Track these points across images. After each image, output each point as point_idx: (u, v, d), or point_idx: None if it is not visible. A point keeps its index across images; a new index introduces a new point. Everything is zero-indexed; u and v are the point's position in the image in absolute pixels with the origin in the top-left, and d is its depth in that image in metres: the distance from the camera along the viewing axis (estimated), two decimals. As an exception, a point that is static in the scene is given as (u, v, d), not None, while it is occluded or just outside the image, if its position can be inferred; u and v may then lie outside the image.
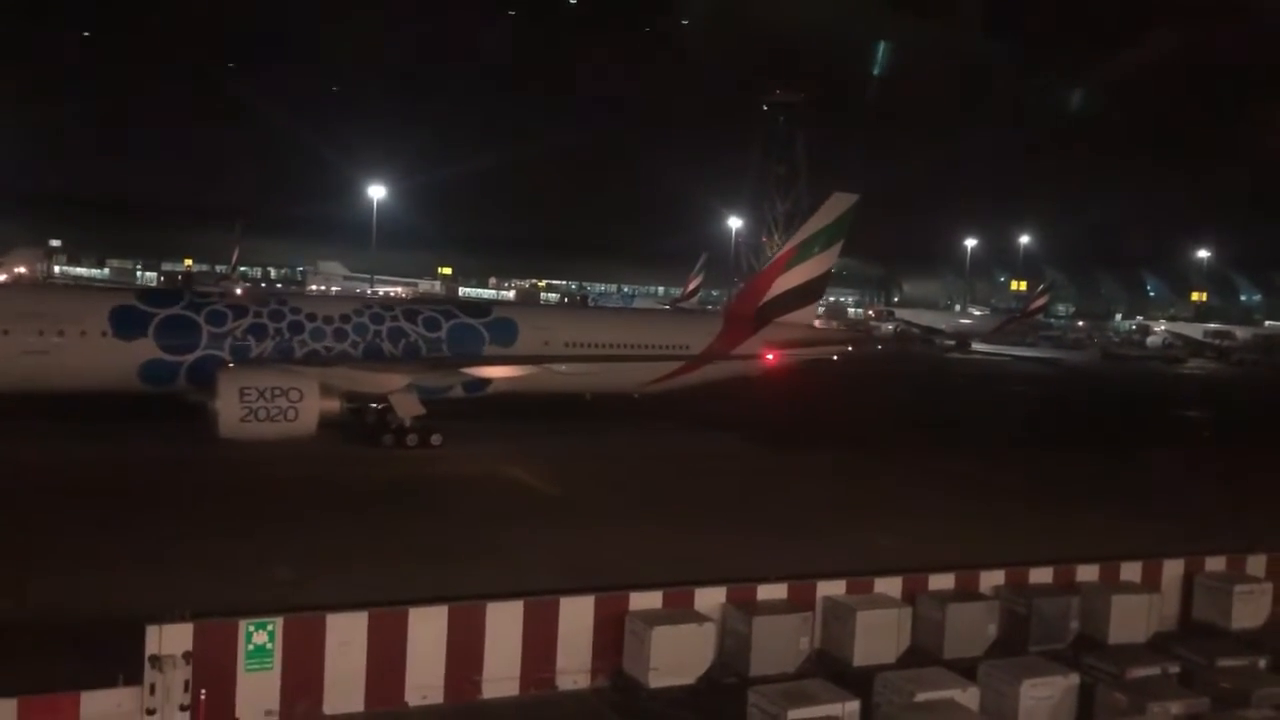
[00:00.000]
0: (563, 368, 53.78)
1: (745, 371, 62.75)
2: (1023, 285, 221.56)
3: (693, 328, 64.55)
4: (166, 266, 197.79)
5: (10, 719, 20.03)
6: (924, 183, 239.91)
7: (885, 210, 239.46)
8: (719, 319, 67.26)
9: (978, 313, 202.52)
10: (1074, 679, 23.34)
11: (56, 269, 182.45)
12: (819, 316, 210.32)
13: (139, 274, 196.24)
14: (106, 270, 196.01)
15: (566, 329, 57.84)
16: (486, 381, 53.05)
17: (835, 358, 77.08)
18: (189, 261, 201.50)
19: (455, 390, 52.63)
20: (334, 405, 46.37)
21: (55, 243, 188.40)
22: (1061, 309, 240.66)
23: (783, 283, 63.38)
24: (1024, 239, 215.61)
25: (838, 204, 63.98)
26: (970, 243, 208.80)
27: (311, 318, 50.66)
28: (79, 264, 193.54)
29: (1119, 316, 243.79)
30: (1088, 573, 29.93)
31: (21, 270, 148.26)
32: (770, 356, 58.35)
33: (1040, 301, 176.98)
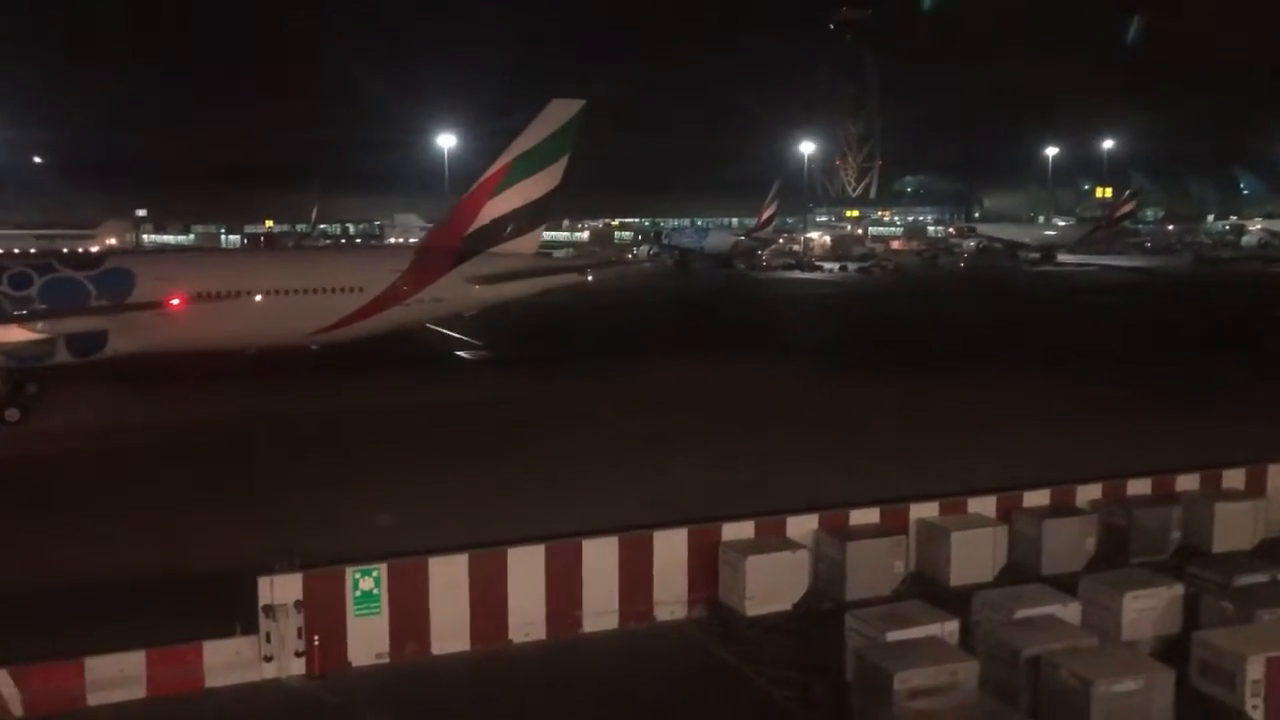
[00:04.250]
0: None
1: (453, 310, 56.14)
2: (1108, 192, 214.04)
3: (369, 266, 55.98)
4: (249, 228, 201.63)
5: (139, 669, 21.14)
6: (1000, 94, 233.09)
7: (962, 125, 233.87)
8: (407, 255, 59.37)
9: (1062, 223, 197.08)
10: (1178, 589, 23.02)
11: (145, 238, 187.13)
12: (897, 237, 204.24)
13: (223, 237, 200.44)
14: (192, 236, 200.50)
15: (197, 277, 51.84)
16: (98, 342, 47.14)
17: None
18: (270, 222, 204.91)
19: (60, 355, 46.44)
20: None
21: (141, 212, 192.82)
22: (1150, 214, 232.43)
23: (494, 208, 54.83)
24: (1107, 144, 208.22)
25: (558, 112, 55.22)
26: (1051, 152, 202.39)
27: None
28: (165, 231, 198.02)
29: (1211, 218, 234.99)
30: (1188, 482, 29.40)
31: (112, 241, 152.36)
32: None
33: (1127, 208, 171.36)
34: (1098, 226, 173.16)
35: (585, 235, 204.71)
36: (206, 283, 50.65)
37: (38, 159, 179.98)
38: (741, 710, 21.21)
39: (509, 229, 55.31)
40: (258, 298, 50.54)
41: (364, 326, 52.88)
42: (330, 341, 52.80)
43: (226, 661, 21.73)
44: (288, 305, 51.50)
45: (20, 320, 45.85)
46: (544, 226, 58.79)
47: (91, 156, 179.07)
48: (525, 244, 56.28)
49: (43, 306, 47.27)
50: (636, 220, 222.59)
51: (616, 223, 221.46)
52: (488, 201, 55.06)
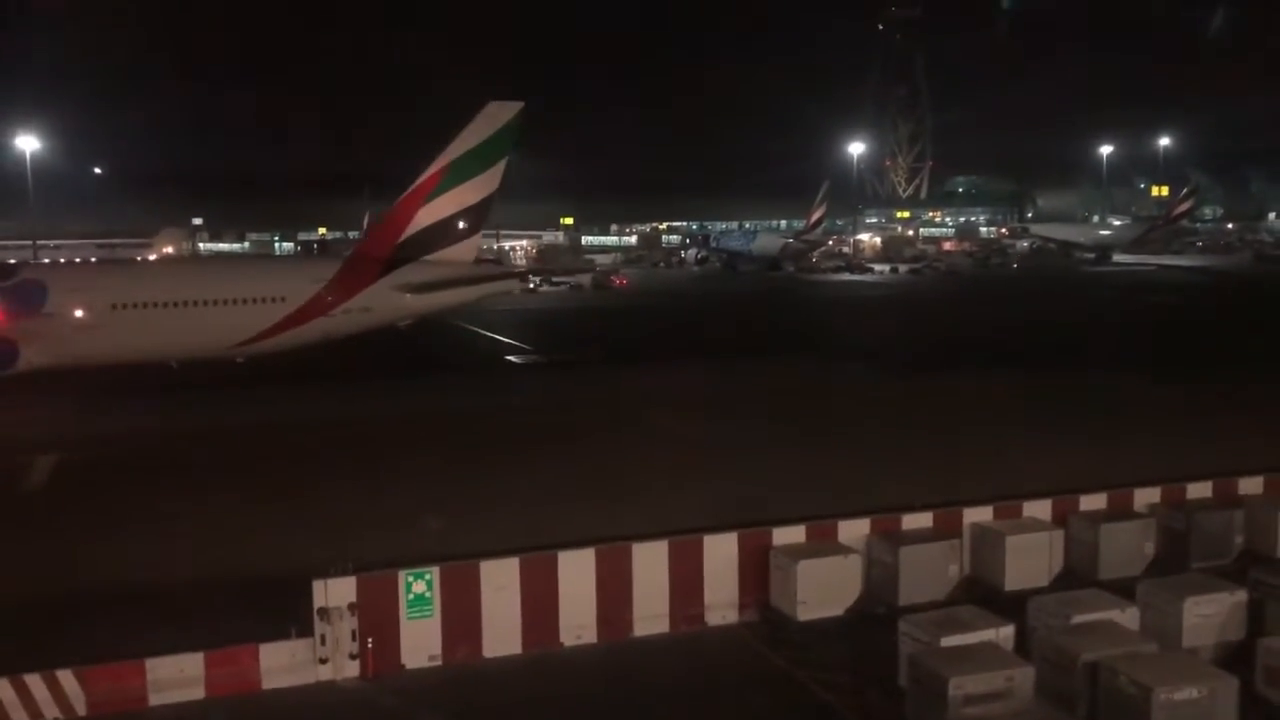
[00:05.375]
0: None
1: (384, 320, 54.18)
2: (1164, 190, 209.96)
3: (291, 277, 55.27)
4: (302, 236, 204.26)
5: (198, 671, 21.47)
6: (1054, 92, 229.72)
7: (1014, 124, 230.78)
8: (334, 264, 58.11)
9: (1117, 223, 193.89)
10: (1241, 595, 22.50)
11: (201, 246, 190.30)
12: (949, 239, 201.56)
13: (277, 245, 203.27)
14: (247, 244, 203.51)
15: (112, 289, 50.69)
16: (8, 355, 46.82)
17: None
18: (323, 230, 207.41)
19: None
20: None
21: (197, 221, 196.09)
22: (1209, 212, 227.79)
23: (428, 214, 53.28)
24: (1164, 141, 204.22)
25: (495, 115, 54.04)
26: (1106, 150, 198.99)
27: None
28: (220, 240, 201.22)
29: (1272, 215, 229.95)
30: (1251, 485, 28.76)
31: (169, 249, 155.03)
32: None
33: (1184, 206, 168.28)
34: (1154, 225, 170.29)
35: (633, 239, 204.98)
36: (119, 295, 49.80)
37: (98, 170, 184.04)
38: (794, 716, 21.04)
39: (444, 236, 53.87)
40: (170, 310, 49.86)
41: (289, 337, 51.74)
42: (255, 354, 51.63)
43: (282, 663, 22.00)
44: (206, 317, 50.57)
45: None
46: (482, 232, 57.36)
47: (150, 167, 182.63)
48: (463, 250, 54.80)
49: None
50: (684, 224, 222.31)
51: (664, 226, 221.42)
52: (421, 208, 53.65)
